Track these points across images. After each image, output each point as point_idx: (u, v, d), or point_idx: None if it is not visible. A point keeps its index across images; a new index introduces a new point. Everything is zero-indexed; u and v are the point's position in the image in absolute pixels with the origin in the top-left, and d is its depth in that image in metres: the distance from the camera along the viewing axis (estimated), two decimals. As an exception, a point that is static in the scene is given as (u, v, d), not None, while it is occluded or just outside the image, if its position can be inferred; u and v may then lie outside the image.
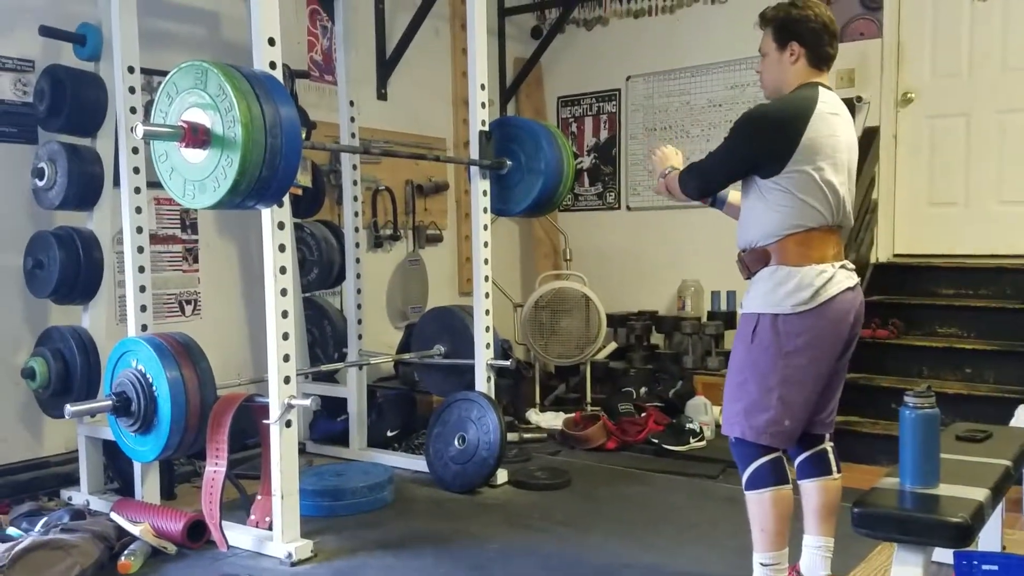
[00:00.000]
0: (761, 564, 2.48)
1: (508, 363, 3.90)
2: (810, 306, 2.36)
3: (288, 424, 3.01)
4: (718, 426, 4.72)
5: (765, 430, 2.41)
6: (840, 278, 2.40)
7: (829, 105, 2.41)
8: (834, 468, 2.60)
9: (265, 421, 3.02)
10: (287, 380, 3.00)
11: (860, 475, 4.03)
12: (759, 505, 2.46)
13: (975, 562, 2.43)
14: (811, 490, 2.58)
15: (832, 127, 2.39)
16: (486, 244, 3.86)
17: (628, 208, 6.02)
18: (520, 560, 3.04)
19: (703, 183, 2.62)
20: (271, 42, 2.90)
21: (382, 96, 5.29)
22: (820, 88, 2.43)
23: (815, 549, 2.56)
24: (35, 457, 3.80)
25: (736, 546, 3.09)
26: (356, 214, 4.36)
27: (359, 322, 4.39)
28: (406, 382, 4.87)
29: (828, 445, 2.62)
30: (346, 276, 4.42)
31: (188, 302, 4.34)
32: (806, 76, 2.48)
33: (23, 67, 3.74)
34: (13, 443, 3.74)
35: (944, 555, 2.54)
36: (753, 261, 2.49)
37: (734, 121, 2.52)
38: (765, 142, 2.40)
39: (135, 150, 3.45)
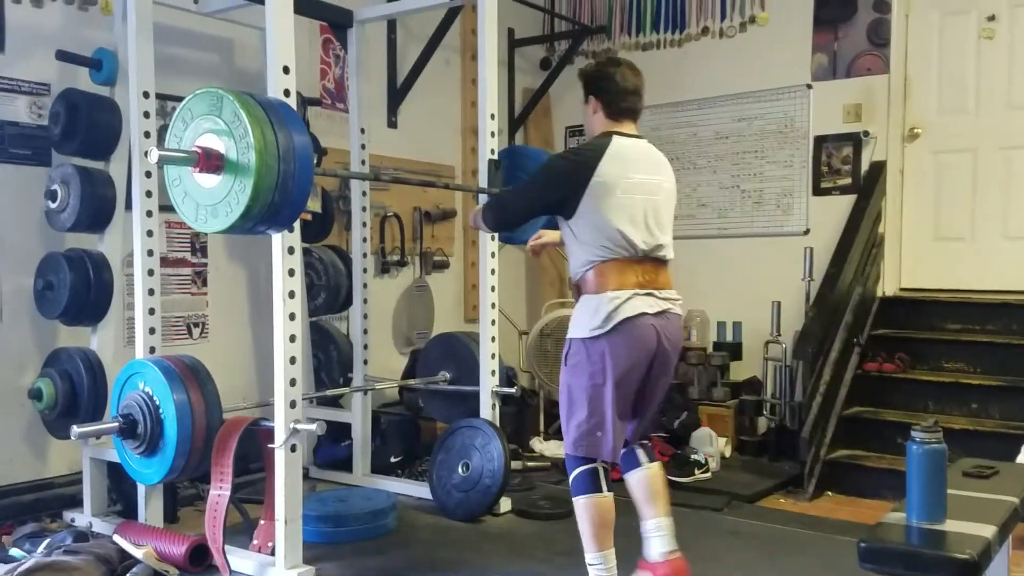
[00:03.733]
0: (589, 564, 2.73)
1: (513, 390, 3.90)
2: (605, 329, 2.63)
3: (293, 449, 3.01)
4: (724, 457, 4.76)
5: (581, 442, 2.70)
6: (637, 303, 2.65)
7: (629, 149, 2.73)
8: (644, 460, 2.89)
9: (270, 445, 3.02)
10: (293, 404, 3.01)
11: (865, 510, 4.04)
12: (580, 511, 2.73)
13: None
14: (631, 482, 2.87)
15: (629, 167, 2.69)
16: (493, 271, 3.88)
17: (634, 238, 6.03)
18: (523, 590, 3.02)
19: (499, 217, 2.98)
20: (285, 70, 2.94)
21: (392, 124, 5.34)
22: (614, 136, 2.74)
23: (652, 530, 2.82)
24: (39, 478, 3.80)
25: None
26: (364, 240, 4.39)
27: (365, 347, 4.40)
28: (410, 408, 4.86)
29: (636, 444, 2.91)
30: (353, 301, 4.44)
31: (196, 325, 4.36)
32: (605, 126, 2.81)
33: (39, 91, 3.79)
34: (18, 464, 3.74)
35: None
36: (574, 291, 2.86)
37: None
38: (556, 188, 2.73)
39: (148, 174, 3.48)
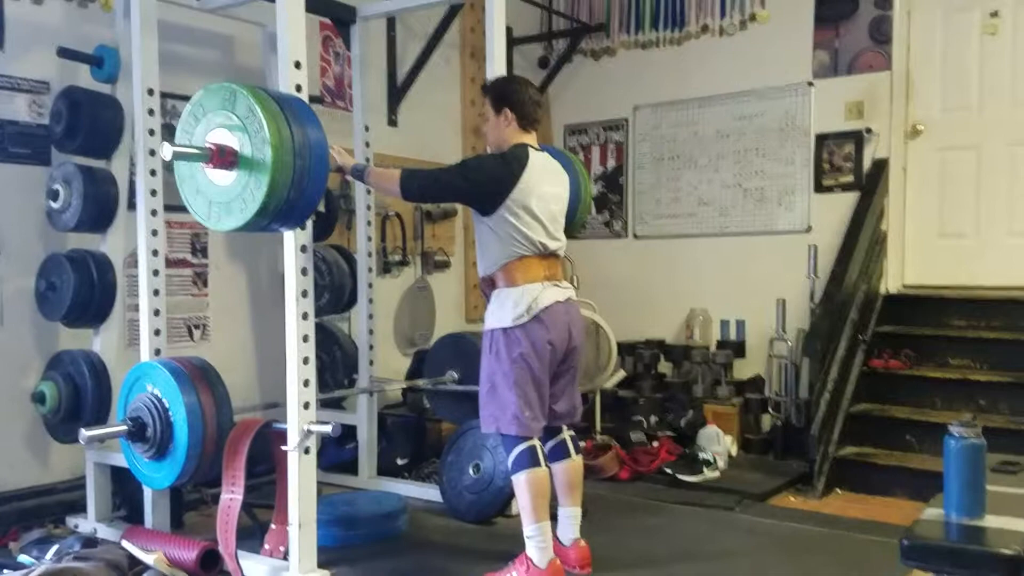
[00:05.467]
0: (527, 536, 2.94)
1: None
2: (527, 318, 2.93)
3: (307, 451, 2.95)
4: (731, 456, 4.73)
5: (512, 421, 2.95)
6: (550, 293, 2.98)
7: (538, 161, 3.04)
8: (572, 452, 3.18)
9: (283, 448, 2.96)
10: (307, 406, 2.95)
11: (877, 507, 4.03)
12: (520, 485, 2.96)
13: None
14: (557, 471, 3.12)
15: (540, 178, 3.01)
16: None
17: (635, 236, 6.01)
18: (543, 592, 2.97)
19: (426, 190, 3.14)
20: (297, 65, 2.89)
21: (392, 122, 5.29)
22: (529, 149, 3.04)
23: (566, 517, 3.13)
24: (41, 483, 3.72)
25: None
26: (369, 238, 4.33)
27: (370, 348, 4.34)
28: (414, 409, 4.81)
29: (566, 435, 3.20)
30: (358, 301, 4.38)
31: (197, 327, 4.29)
32: (518, 137, 3.09)
33: (38, 89, 3.71)
34: (19, 469, 3.67)
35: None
36: (486, 287, 3.09)
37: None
38: (488, 183, 2.97)
39: (152, 172, 3.42)
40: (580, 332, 3.12)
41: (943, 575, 1.94)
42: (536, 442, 2.99)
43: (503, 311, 2.97)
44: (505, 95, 3.13)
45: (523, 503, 2.96)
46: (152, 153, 3.39)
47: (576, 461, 3.18)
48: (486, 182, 2.99)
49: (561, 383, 3.12)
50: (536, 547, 2.93)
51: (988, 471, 2.55)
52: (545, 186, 3.04)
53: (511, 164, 3.00)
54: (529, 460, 2.96)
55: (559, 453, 3.16)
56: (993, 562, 1.86)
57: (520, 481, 2.96)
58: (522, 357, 2.94)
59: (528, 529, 2.95)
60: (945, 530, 2.01)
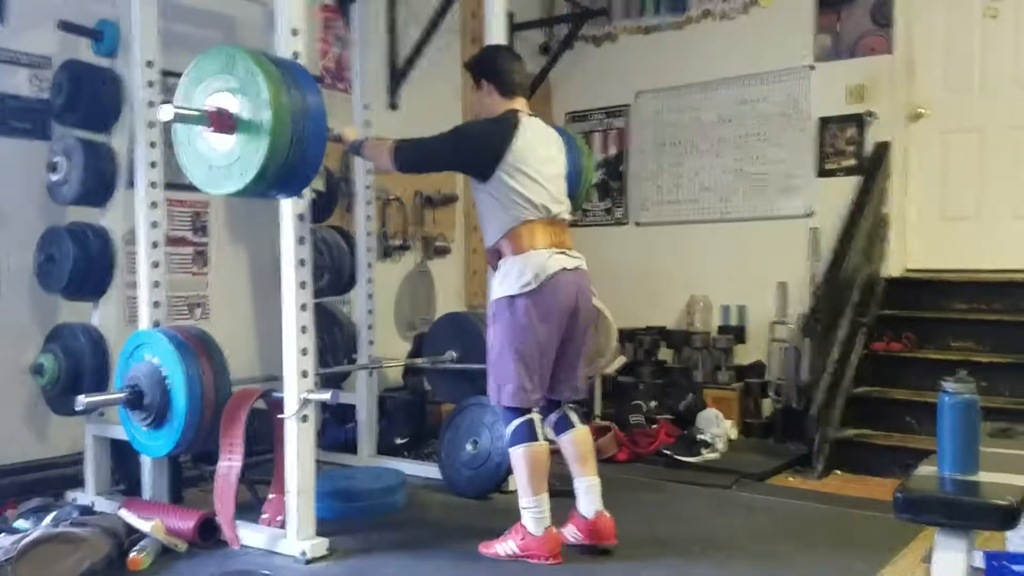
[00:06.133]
0: (524, 508, 2.92)
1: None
2: (533, 286, 2.86)
3: (304, 419, 2.96)
4: (730, 439, 4.72)
5: (515, 394, 2.91)
6: (558, 260, 2.91)
7: (531, 124, 3.00)
8: (577, 423, 3.10)
9: (280, 416, 2.96)
10: (305, 374, 2.96)
11: (875, 487, 4.02)
12: (517, 459, 2.93)
13: (1005, 563, 2.40)
14: (565, 443, 3.07)
15: (534, 140, 2.97)
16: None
17: (636, 224, 6.01)
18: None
19: (418, 160, 3.10)
20: (294, 32, 2.90)
21: (393, 105, 5.29)
22: (519, 114, 3.00)
23: (584, 488, 3.03)
24: (40, 458, 3.73)
25: (759, 552, 3.06)
26: (368, 217, 4.34)
27: (370, 327, 4.34)
28: (415, 392, 4.81)
29: (567, 407, 3.13)
30: (357, 282, 4.38)
31: (197, 305, 4.29)
32: (503, 104, 3.05)
33: (40, 63, 3.72)
34: (19, 443, 3.67)
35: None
36: (492, 256, 3.03)
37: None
38: (481, 148, 2.93)
39: (152, 144, 3.42)
40: (588, 302, 3.05)
41: (936, 527, 1.93)
42: (535, 416, 2.97)
43: (509, 279, 2.91)
44: (481, 66, 3.12)
45: (520, 476, 2.94)
46: (151, 125, 3.40)
47: (582, 430, 3.11)
48: (478, 145, 2.95)
49: (568, 355, 3.04)
50: (532, 517, 2.92)
51: (985, 436, 2.57)
52: (540, 149, 3.01)
53: (502, 126, 2.96)
54: (527, 434, 2.93)
55: (564, 425, 3.11)
56: (987, 512, 1.86)
57: (518, 455, 2.94)
58: (527, 326, 2.88)
59: (524, 501, 2.93)
60: (939, 484, 2.00)
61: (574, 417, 3.12)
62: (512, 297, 2.89)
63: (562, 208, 3.03)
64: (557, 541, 2.95)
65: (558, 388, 3.07)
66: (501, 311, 2.93)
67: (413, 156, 3.05)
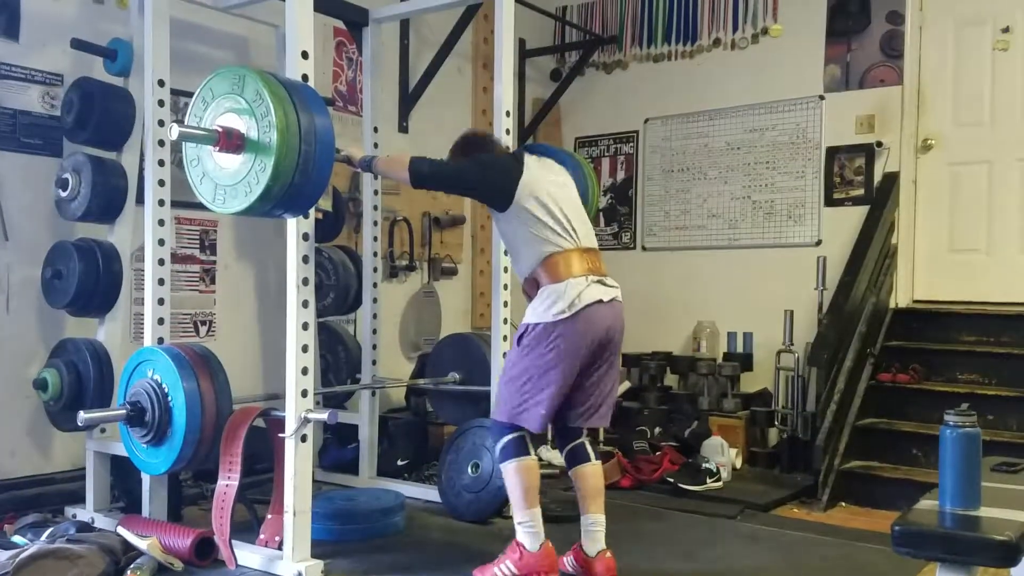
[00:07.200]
0: (519, 523, 2.92)
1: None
2: (568, 314, 2.81)
3: (304, 439, 2.95)
4: (735, 468, 4.69)
5: (518, 413, 2.90)
6: (594, 291, 2.87)
7: (532, 157, 3.06)
8: (591, 457, 3.06)
9: (280, 435, 2.96)
10: (304, 393, 2.95)
11: (881, 520, 3.95)
12: (508, 474, 2.94)
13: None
14: (576, 477, 3.04)
15: (542, 170, 3.01)
16: (506, 269, 3.82)
17: (644, 248, 6.01)
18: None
19: (436, 178, 3.04)
20: (304, 55, 2.92)
21: (403, 129, 5.33)
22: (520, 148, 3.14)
23: (590, 526, 3.00)
24: (41, 473, 3.73)
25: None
26: (375, 238, 4.35)
27: (374, 347, 4.34)
28: (417, 413, 4.80)
29: (584, 439, 3.09)
30: (362, 301, 4.39)
31: (203, 323, 4.31)
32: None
33: (52, 81, 3.77)
34: (20, 457, 3.68)
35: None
36: (530, 287, 2.98)
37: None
38: (499, 175, 2.95)
39: (160, 162, 3.45)
40: (620, 333, 2.99)
41: (935, 562, 1.90)
42: (524, 433, 2.96)
43: (545, 305, 2.86)
44: (468, 148, 3.14)
45: (513, 491, 2.94)
46: (161, 143, 3.43)
47: (596, 466, 3.06)
48: (504, 173, 2.95)
49: (589, 384, 2.98)
50: (527, 532, 2.90)
51: (988, 470, 2.54)
52: (551, 176, 3.03)
53: (514, 156, 3.05)
54: (517, 449, 2.94)
55: (578, 458, 3.06)
56: (987, 548, 1.83)
57: (509, 469, 2.94)
58: (553, 353, 2.83)
59: (519, 515, 2.92)
60: (939, 518, 1.98)
61: (589, 451, 3.07)
62: (545, 324, 2.85)
63: (588, 234, 3.01)
64: (554, 556, 2.93)
65: (582, 415, 3.01)
66: (530, 335, 2.88)
67: (433, 171, 3.00)
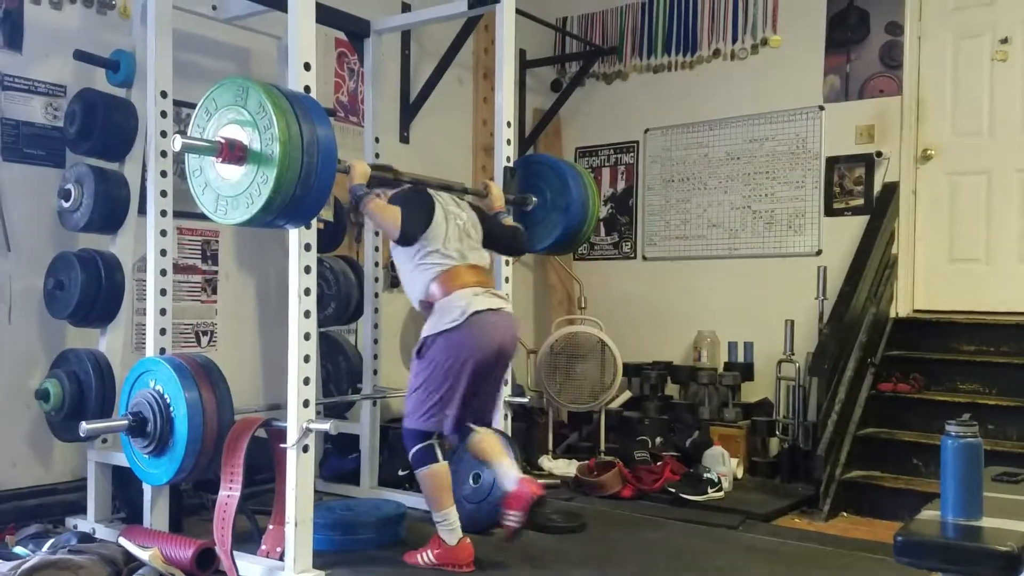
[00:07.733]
0: (436, 522, 3.21)
1: (526, 400, 3.86)
2: (459, 322, 3.11)
3: (305, 449, 2.95)
4: (736, 478, 4.68)
5: (428, 419, 3.18)
6: (482, 300, 3.16)
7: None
8: (476, 428, 3.34)
9: (282, 445, 2.96)
10: (306, 403, 2.96)
11: (883, 530, 3.96)
12: (422, 479, 3.23)
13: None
14: (472, 444, 3.33)
15: (445, 203, 3.32)
16: (507, 279, 3.84)
17: (644, 258, 6.02)
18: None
19: (414, 232, 3.23)
20: (307, 66, 2.93)
21: (404, 139, 5.34)
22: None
23: (505, 468, 3.23)
24: (42, 483, 3.73)
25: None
26: (376, 248, 4.36)
27: (375, 357, 4.35)
28: (418, 423, 4.79)
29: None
30: (364, 311, 4.40)
31: (204, 333, 4.31)
32: None
33: (55, 91, 3.78)
34: (21, 468, 3.68)
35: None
36: (425, 309, 3.26)
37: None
38: (427, 211, 3.24)
39: (163, 173, 3.46)
40: (513, 343, 3.30)
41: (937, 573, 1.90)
42: (434, 441, 3.22)
43: (438, 317, 3.15)
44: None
45: (427, 494, 3.24)
46: (163, 154, 3.44)
47: (483, 431, 3.34)
48: (427, 208, 3.24)
49: (486, 391, 3.32)
50: (446, 530, 3.18)
51: (989, 480, 2.54)
52: (451, 206, 3.33)
53: (427, 191, 3.35)
54: (427, 457, 3.21)
55: (466, 435, 3.33)
56: (988, 558, 1.83)
57: (423, 475, 3.22)
58: (451, 360, 3.12)
59: (436, 516, 3.20)
60: (941, 528, 1.98)
61: (476, 428, 3.35)
62: (439, 334, 3.13)
63: (478, 256, 3.33)
64: (470, 550, 3.20)
65: (470, 416, 3.29)
66: (428, 347, 3.17)
67: (411, 228, 3.20)
